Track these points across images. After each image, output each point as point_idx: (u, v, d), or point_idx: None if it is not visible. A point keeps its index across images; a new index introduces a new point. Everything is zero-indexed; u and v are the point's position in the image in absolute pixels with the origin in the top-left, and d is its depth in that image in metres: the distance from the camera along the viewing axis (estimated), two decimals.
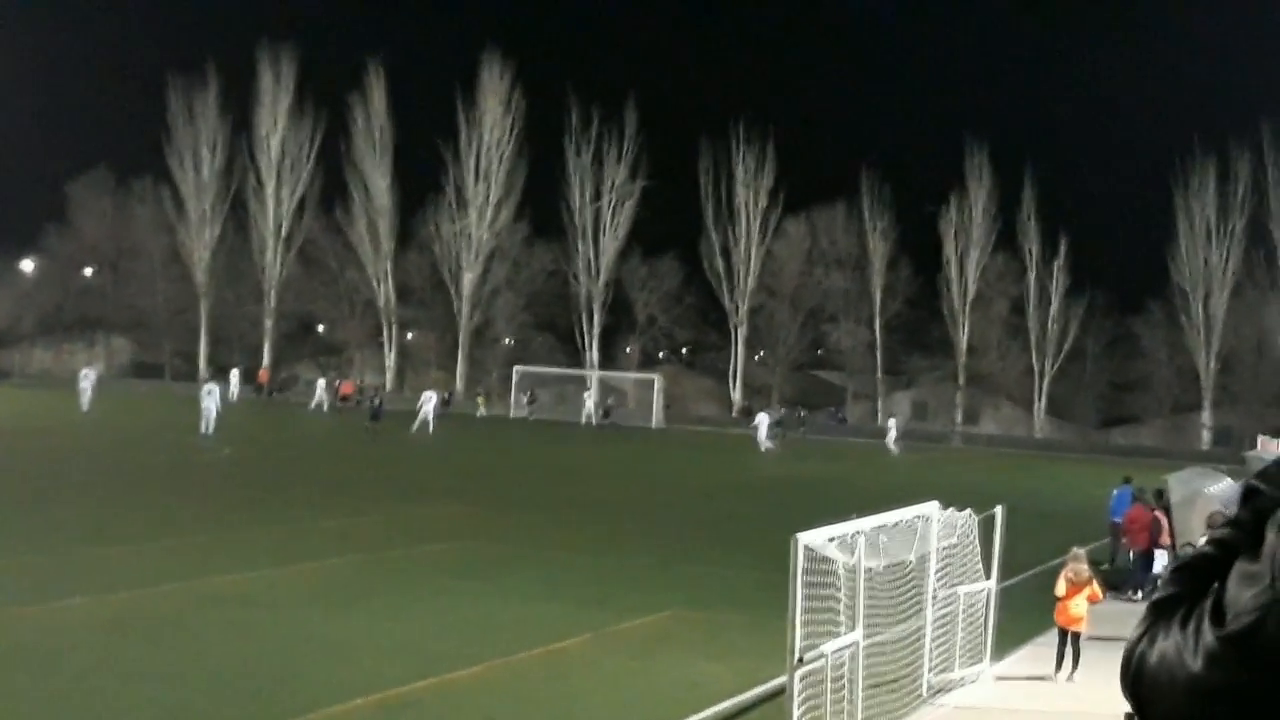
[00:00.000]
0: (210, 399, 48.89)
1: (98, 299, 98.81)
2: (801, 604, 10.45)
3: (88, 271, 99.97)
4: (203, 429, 46.99)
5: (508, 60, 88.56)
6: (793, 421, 73.76)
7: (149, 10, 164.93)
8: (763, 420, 61.57)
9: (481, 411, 75.36)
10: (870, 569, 12.10)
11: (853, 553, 11.61)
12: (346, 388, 78.08)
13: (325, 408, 68.22)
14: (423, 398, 58.43)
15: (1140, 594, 21.48)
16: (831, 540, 11.31)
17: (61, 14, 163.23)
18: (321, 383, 73.49)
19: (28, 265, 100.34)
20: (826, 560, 11.22)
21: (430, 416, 56.26)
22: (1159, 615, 1.42)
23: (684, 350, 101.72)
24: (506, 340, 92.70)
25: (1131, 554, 23.40)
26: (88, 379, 59.95)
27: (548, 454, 50.25)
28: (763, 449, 58.06)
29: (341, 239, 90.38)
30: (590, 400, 78.43)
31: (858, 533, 11.90)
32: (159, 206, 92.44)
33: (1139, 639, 1.42)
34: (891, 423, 68.55)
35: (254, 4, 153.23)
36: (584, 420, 74.76)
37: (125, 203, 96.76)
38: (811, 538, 10.96)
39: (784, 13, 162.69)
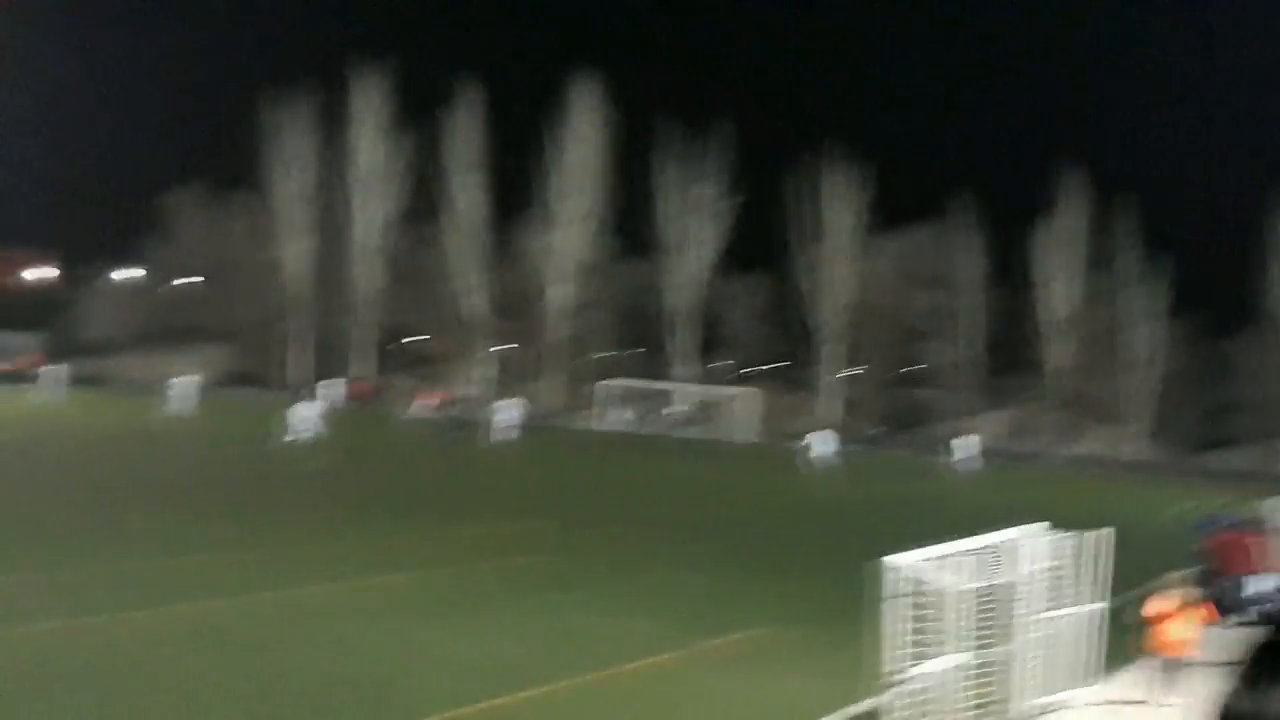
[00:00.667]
0: (308, 409, 49.98)
1: (194, 309, 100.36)
2: (897, 625, 10.38)
3: (185, 282, 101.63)
4: (296, 437, 47.79)
5: (598, 76, 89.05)
6: (865, 439, 73.44)
7: (246, 26, 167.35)
8: (816, 439, 60.03)
9: (584, 424, 75.76)
10: (968, 591, 12.00)
11: (950, 574, 11.52)
12: (435, 398, 78.66)
13: (413, 418, 68.77)
14: (502, 407, 58.73)
15: (1235, 618, 21.10)
16: (928, 562, 11.23)
17: (160, 30, 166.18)
18: (417, 396, 74.07)
19: (127, 275, 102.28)
20: (923, 581, 11.14)
21: (514, 426, 56.54)
22: (1264, 665, 1.26)
23: (772, 366, 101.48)
24: (595, 354, 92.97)
25: (1227, 579, 23.03)
26: (178, 387, 61.12)
27: (637, 468, 50.27)
28: (814, 466, 56.56)
29: (433, 253, 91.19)
30: (678, 414, 78.51)
31: (955, 554, 11.80)
32: (256, 219, 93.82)
33: (1245, 689, 1.26)
34: (962, 442, 66.18)
35: (349, 20, 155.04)
36: (672, 434, 74.83)
37: (223, 215, 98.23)
38: (907, 559, 10.90)
39: (876, 31, 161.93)
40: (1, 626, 13.97)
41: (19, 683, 12.00)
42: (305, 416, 48.76)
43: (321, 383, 77.72)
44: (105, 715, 11.37)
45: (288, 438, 47.35)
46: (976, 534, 13.25)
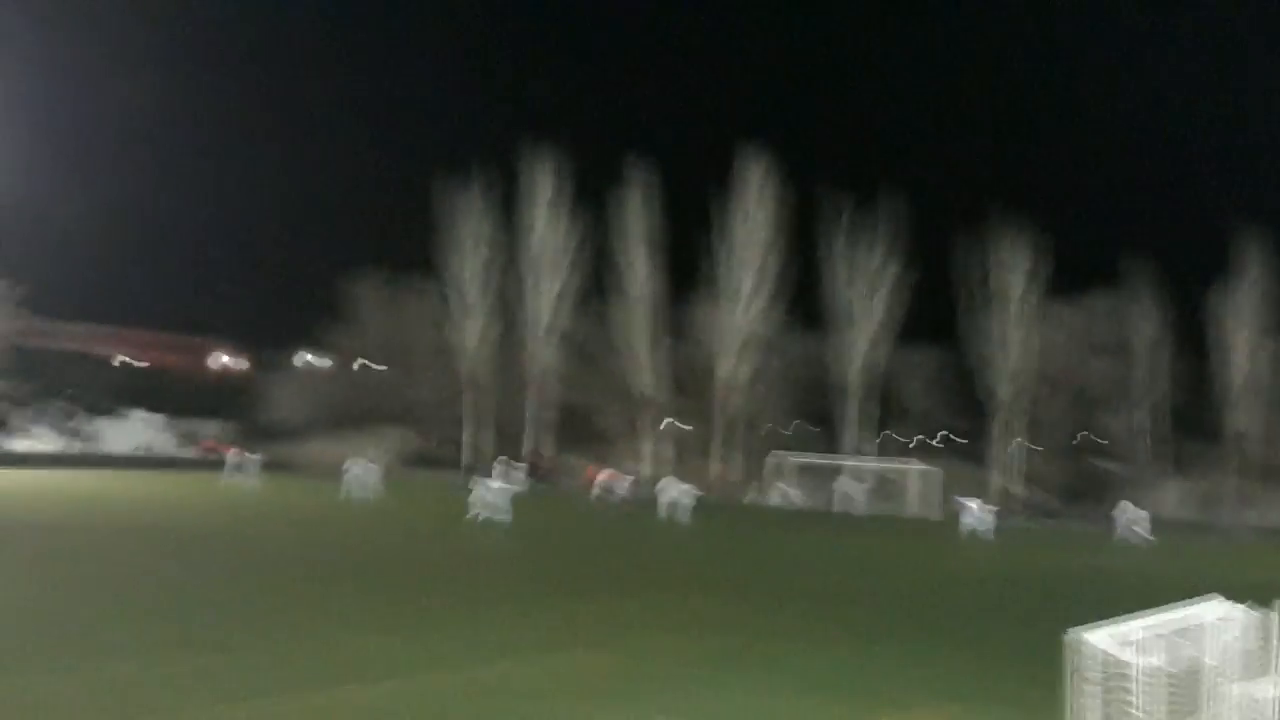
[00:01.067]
0: (488, 488, 51.06)
1: (374, 392, 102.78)
2: (1082, 703, 10.29)
3: (366, 365, 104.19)
4: (484, 515, 48.89)
5: (766, 150, 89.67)
6: (1034, 509, 72.17)
7: (419, 114, 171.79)
8: (969, 505, 59.88)
9: (755, 499, 75.73)
10: (1154, 668, 11.83)
11: (1135, 651, 11.38)
12: (603, 475, 79.05)
13: (598, 496, 69.21)
14: (672, 484, 59.01)
15: None
16: (1112, 637, 11.12)
17: (338, 122, 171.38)
18: (590, 472, 74.52)
19: (310, 360, 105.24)
20: (1107, 657, 11.03)
21: (684, 503, 56.75)
22: None
23: (945, 438, 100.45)
24: (766, 428, 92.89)
25: None
26: (354, 470, 62.72)
27: (810, 543, 50.02)
28: (964, 534, 57.10)
29: (604, 330, 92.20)
30: (851, 488, 78.10)
31: (1140, 630, 11.65)
32: (432, 302, 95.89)
33: None
34: (1129, 512, 63.17)
35: (519, 103, 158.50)
36: (845, 509, 74.48)
37: (401, 298, 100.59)
38: (1091, 635, 10.80)
39: (1048, 98, 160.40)
40: (178, 710, 14.44)
41: None
42: (486, 499, 49.68)
43: (499, 460, 78.60)
44: None
45: (470, 514, 48.30)
46: (1150, 607, 13.03)
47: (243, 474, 67.84)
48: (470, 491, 49.93)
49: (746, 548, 44.83)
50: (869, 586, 34.10)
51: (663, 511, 55.76)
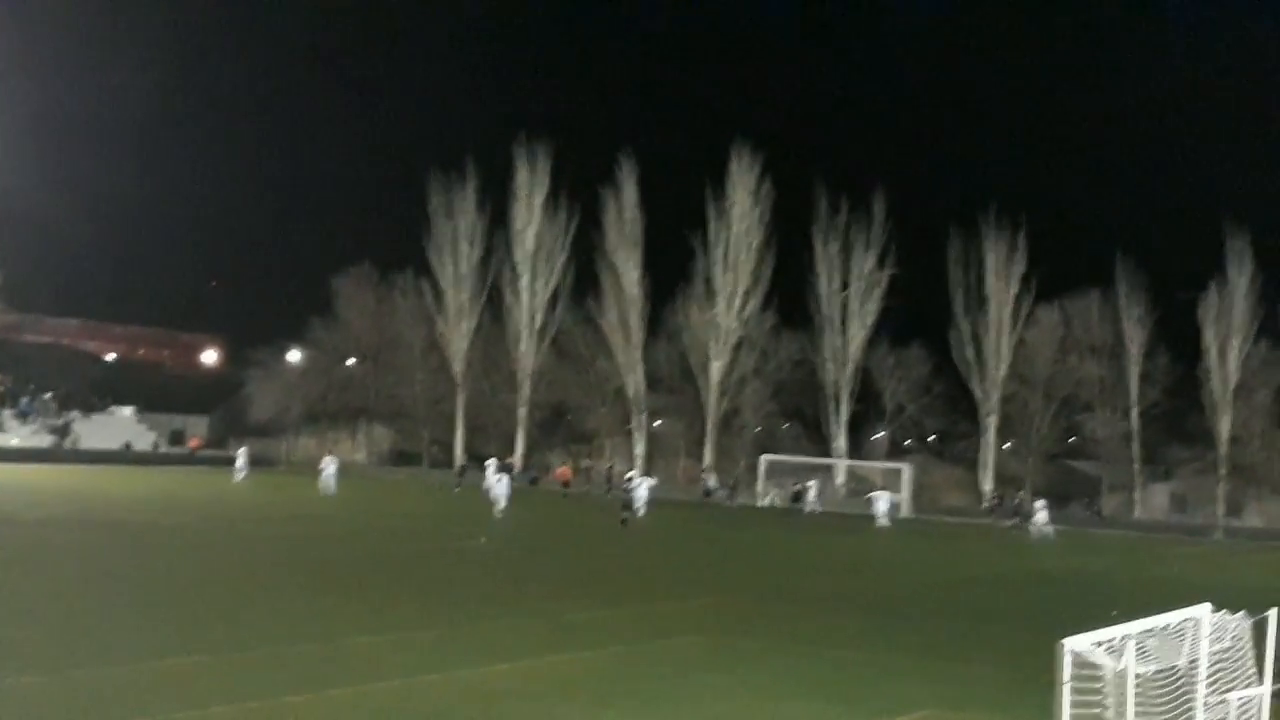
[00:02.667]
0: (500, 485, 53.37)
1: (360, 389, 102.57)
2: (1070, 712, 10.23)
3: (351, 362, 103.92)
4: (495, 514, 50.76)
5: (756, 151, 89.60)
6: (1007, 510, 72.47)
7: (409, 112, 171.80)
8: (880, 497, 64.13)
9: (744, 500, 75.60)
10: (1139, 675, 11.78)
11: (1120, 658, 11.33)
12: (563, 473, 78.34)
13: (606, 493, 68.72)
14: (645, 483, 59.52)
15: None
16: (1099, 645, 11.06)
17: (325, 120, 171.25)
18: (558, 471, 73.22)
19: (295, 356, 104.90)
20: (1093, 665, 10.97)
21: (650, 501, 57.35)
22: None
23: (932, 439, 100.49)
24: (754, 428, 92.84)
25: None
26: (330, 467, 62.97)
27: (798, 543, 50.04)
28: (878, 524, 60.69)
29: (593, 329, 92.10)
30: (837, 489, 78.56)
31: (1126, 637, 11.60)
32: (419, 299, 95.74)
33: None
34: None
35: (510, 102, 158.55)
36: (831, 509, 74.58)
37: (387, 296, 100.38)
38: (1078, 643, 10.74)
39: (1032, 101, 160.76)
40: (172, 711, 14.37)
41: None
42: (504, 492, 52.74)
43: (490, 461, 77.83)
44: None
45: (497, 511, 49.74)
46: (1136, 609, 12.99)
47: (242, 472, 67.13)
48: (458, 489, 50.21)
49: (732, 549, 44.79)
50: (857, 588, 34.06)
51: (641, 510, 55.41)
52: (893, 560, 45.27)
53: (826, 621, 25.92)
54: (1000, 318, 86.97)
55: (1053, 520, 61.21)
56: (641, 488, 57.85)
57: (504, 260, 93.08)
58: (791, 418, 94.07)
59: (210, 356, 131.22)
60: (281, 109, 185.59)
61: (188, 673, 16.75)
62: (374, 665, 17.92)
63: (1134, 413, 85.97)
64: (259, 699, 15.15)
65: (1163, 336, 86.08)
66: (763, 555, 43.54)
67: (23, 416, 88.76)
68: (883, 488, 69.26)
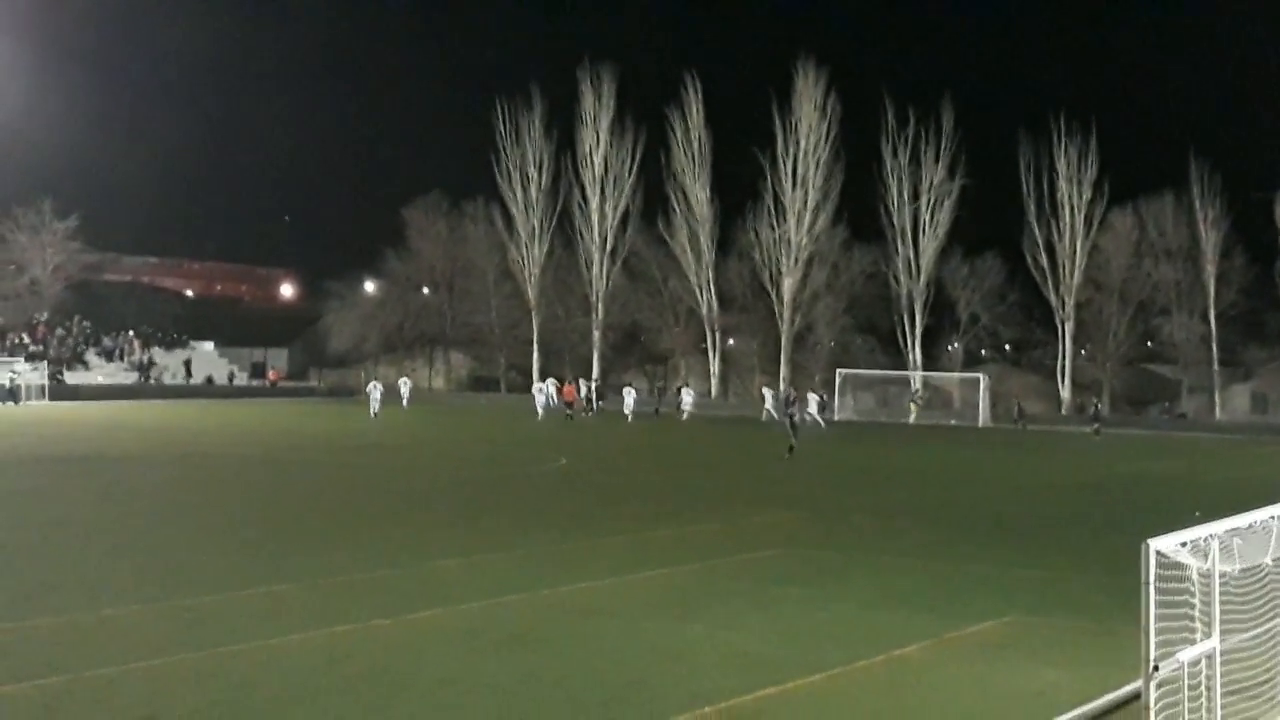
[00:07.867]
0: (541, 395, 63.56)
1: (435, 317, 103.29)
2: (1155, 611, 10.19)
3: (425, 291, 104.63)
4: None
5: (821, 65, 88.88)
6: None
7: (475, 38, 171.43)
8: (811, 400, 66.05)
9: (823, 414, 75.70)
10: (1225, 573, 11.70)
11: (1207, 557, 11.25)
12: (568, 392, 75.40)
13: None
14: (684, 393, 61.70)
15: None
16: (1184, 545, 10.99)
17: (391, 52, 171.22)
18: (630, 391, 72.68)
19: (370, 287, 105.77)
20: (1179, 565, 10.90)
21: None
22: None
23: (1008, 348, 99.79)
24: (828, 344, 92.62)
25: None
26: (376, 390, 66.73)
27: (876, 456, 50.02)
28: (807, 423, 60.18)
29: (664, 249, 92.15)
30: (913, 400, 78.50)
31: (1211, 536, 11.51)
32: (490, 226, 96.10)
33: None
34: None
35: (574, 25, 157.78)
36: (907, 420, 74.62)
37: (459, 224, 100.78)
38: (1163, 543, 10.67)
39: (1102, 2, 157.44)
40: (263, 637, 14.62)
41: (283, 691, 12.56)
42: (544, 401, 60.84)
43: (545, 381, 77.49)
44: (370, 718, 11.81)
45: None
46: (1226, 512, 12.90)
47: (377, 404, 66.83)
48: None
49: (812, 463, 44.71)
50: (935, 498, 33.97)
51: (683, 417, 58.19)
52: (971, 470, 45.07)
53: (909, 532, 25.93)
54: (1073, 223, 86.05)
55: (1130, 424, 60.64)
56: (686, 398, 65.77)
57: (573, 185, 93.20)
58: (865, 332, 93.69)
59: (287, 290, 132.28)
60: (349, 44, 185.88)
61: (277, 600, 17.10)
62: (459, 587, 18.17)
63: (1211, 314, 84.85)
64: (347, 623, 15.44)
65: (1238, 237, 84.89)
66: (847, 468, 43.63)
67: (106, 354, 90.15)
68: (812, 393, 69.75)
